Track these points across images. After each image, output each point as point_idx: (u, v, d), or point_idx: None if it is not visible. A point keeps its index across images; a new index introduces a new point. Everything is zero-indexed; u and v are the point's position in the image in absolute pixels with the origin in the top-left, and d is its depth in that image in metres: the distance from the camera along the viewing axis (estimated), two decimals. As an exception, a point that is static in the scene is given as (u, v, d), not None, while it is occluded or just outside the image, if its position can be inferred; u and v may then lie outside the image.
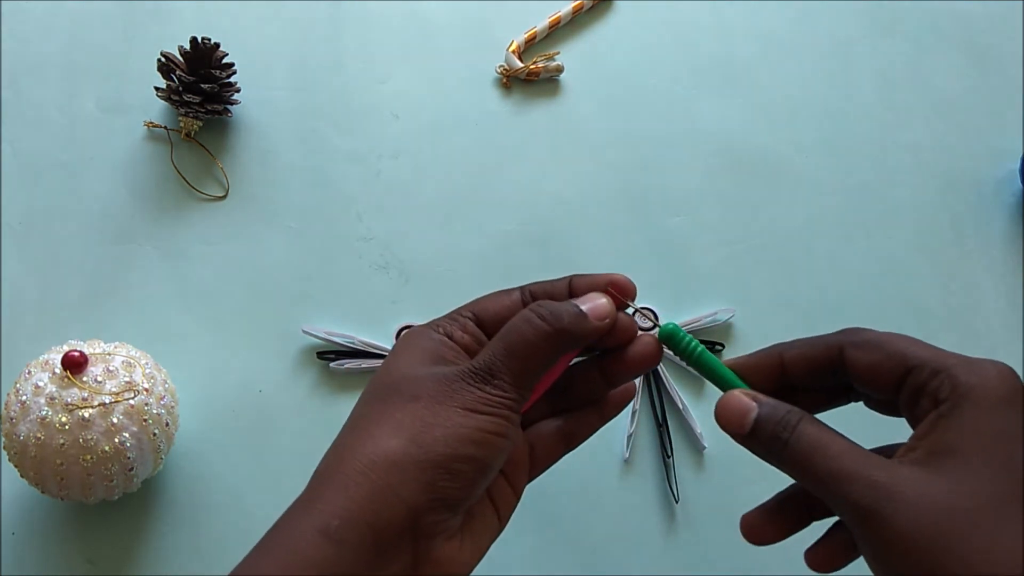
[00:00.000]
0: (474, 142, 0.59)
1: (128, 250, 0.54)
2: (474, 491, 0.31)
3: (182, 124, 0.56)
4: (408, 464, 0.29)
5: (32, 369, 0.43)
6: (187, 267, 0.54)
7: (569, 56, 0.61)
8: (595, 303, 0.33)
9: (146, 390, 0.44)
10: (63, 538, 0.47)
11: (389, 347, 0.52)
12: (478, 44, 0.61)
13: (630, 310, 0.35)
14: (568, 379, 0.36)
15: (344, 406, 0.45)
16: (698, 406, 0.51)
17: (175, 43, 0.56)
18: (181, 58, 0.56)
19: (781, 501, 0.34)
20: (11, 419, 0.42)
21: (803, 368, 0.33)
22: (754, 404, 0.31)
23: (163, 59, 0.56)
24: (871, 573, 0.29)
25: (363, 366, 0.51)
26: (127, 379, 0.43)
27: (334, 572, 0.28)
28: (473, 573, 0.32)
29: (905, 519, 0.26)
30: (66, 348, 0.43)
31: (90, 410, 0.41)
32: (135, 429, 0.43)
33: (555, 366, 0.33)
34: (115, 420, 0.42)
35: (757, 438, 0.31)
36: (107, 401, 0.42)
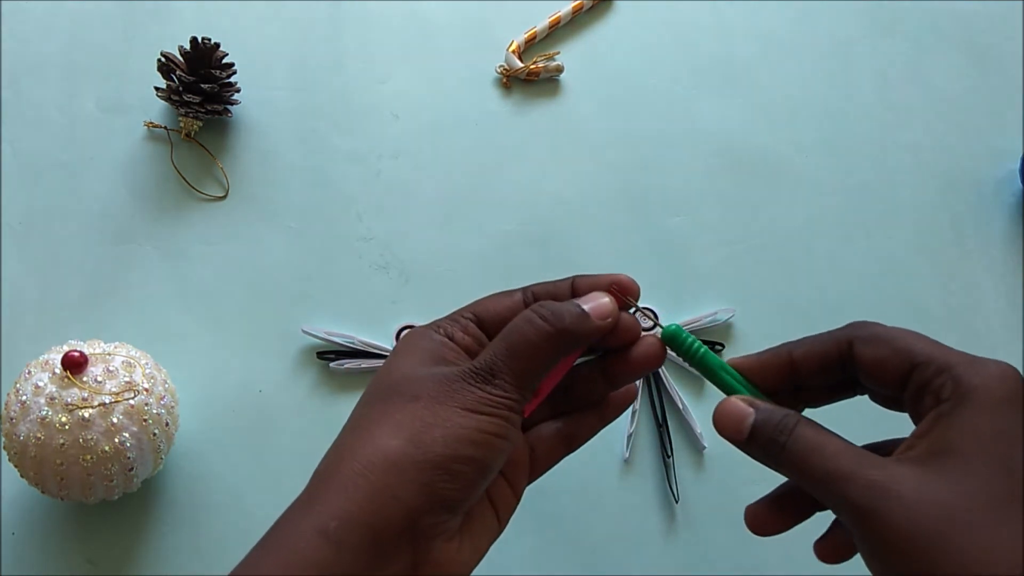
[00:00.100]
0: (474, 142, 0.59)
1: (128, 250, 0.54)
2: (473, 492, 0.31)
3: (182, 124, 0.56)
4: (407, 465, 0.29)
5: (32, 369, 0.43)
6: (187, 267, 0.54)
7: (569, 56, 0.61)
8: (597, 303, 0.33)
9: (146, 390, 0.44)
10: (63, 538, 0.47)
11: (389, 347, 0.52)
12: (478, 44, 0.61)
13: (631, 310, 0.35)
14: (569, 381, 0.36)
15: (344, 406, 0.45)
16: (698, 406, 0.51)
17: (175, 43, 0.56)
18: (181, 58, 0.56)
19: (784, 492, 0.34)
20: (11, 419, 0.42)
21: (814, 365, 0.33)
22: (751, 409, 0.31)
23: (163, 59, 0.56)
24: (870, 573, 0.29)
25: (363, 366, 0.51)
26: (127, 379, 0.43)
27: (333, 572, 0.28)
28: (473, 574, 0.32)
29: (902, 518, 0.26)
30: (66, 348, 0.43)
31: (90, 410, 0.41)
32: (135, 429, 0.43)
33: (558, 368, 0.33)
34: (115, 420, 0.42)
35: (755, 443, 0.31)
36: (107, 401, 0.42)
